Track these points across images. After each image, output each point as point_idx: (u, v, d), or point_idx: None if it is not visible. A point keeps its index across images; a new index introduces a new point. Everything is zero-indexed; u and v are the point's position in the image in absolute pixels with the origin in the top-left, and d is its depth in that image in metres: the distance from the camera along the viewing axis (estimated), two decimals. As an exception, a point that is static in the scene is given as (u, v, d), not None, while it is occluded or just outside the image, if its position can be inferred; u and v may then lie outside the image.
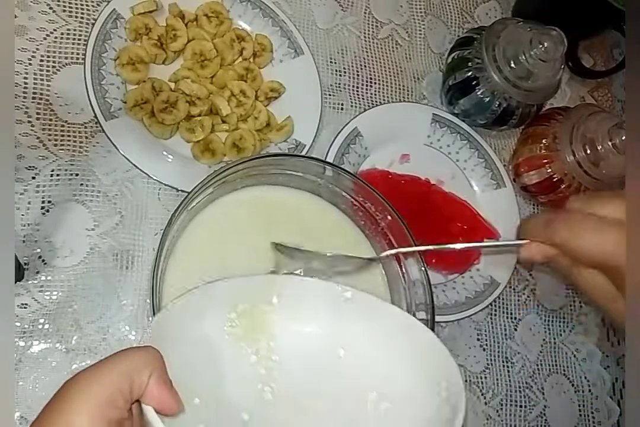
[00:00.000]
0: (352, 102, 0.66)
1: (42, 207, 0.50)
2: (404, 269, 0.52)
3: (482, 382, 0.62)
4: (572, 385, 0.67)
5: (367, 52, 0.69)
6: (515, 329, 0.66)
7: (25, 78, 0.52)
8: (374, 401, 0.41)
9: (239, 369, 0.41)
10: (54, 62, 0.53)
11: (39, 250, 0.49)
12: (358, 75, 0.67)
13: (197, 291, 0.40)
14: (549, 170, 0.65)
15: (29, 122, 0.51)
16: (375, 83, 0.68)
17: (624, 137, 0.60)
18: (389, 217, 0.52)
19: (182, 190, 0.53)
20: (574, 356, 0.68)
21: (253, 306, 0.43)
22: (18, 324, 0.47)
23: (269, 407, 0.40)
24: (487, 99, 0.63)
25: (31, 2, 0.54)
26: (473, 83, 0.63)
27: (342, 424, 0.41)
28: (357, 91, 0.67)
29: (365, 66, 0.68)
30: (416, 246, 0.50)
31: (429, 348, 0.41)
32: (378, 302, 0.44)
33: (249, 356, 0.42)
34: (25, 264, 0.48)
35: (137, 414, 0.31)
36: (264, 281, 0.44)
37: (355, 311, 0.44)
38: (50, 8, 0.54)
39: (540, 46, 0.59)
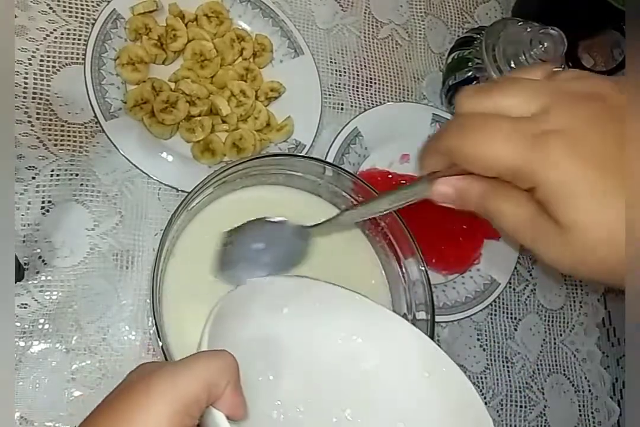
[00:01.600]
0: (352, 102, 0.66)
1: (42, 207, 0.50)
2: (404, 269, 0.52)
3: (482, 382, 0.62)
4: (572, 385, 0.67)
5: (367, 52, 0.69)
6: (515, 329, 0.66)
7: (25, 78, 0.52)
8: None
9: (279, 370, 0.42)
10: (54, 62, 0.53)
11: (39, 250, 0.49)
12: (358, 75, 0.67)
13: (256, 285, 0.41)
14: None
15: (29, 122, 0.51)
16: (375, 83, 0.68)
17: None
18: (389, 217, 0.52)
19: (182, 190, 0.53)
20: (574, 356, 0.68)
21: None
22: (18, 324, 0.47)
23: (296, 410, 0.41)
24: (487, 99, 0.63)
25: (31, 2, 0.54)
26: (473, 83, 0.63)
27: None
28: (357, 91, 0.67)
29: (365, 66, 0.68)
30: (415, 245, 0.50)
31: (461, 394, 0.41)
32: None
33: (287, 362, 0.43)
34: (25, 264, 0.48)
35: None
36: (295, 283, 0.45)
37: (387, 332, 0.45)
38: (50, 8, 0.54)
39: (540, 46, 0.59)
